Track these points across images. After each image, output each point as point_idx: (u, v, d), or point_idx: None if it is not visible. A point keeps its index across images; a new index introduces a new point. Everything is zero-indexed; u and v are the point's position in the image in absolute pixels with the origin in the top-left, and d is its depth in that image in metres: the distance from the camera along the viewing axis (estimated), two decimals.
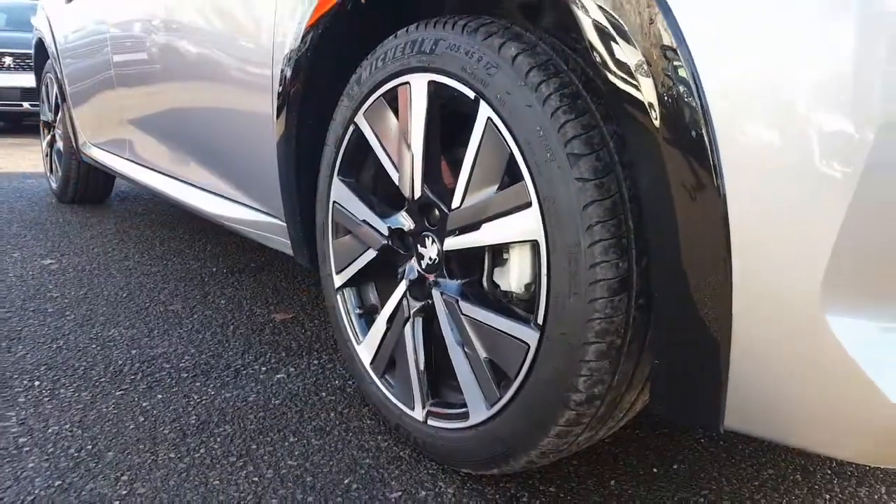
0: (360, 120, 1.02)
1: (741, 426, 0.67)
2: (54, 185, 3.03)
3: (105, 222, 2.61)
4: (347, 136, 1.05)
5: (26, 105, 7.19)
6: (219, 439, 1.04)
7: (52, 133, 3.03)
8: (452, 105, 0.89)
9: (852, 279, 0.58)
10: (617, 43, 0.66)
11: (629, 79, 0.65)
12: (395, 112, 0.97)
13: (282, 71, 1.16)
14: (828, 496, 0.96)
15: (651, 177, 0.66)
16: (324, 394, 1.21)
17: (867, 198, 0.55)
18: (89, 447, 1.01)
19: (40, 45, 2.99)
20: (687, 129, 0.61)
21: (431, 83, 0.89)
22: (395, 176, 0.98)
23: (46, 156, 3.16)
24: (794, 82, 0.56)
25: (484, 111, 0.81)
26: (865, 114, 0.53)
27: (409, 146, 0.94)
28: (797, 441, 0.65)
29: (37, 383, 1.21)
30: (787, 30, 0.56)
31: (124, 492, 0.90)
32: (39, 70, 3.13)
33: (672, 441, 1.09)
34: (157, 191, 1.93)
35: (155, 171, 1.99)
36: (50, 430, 1.05)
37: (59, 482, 0.92)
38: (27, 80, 7.17)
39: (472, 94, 0.82)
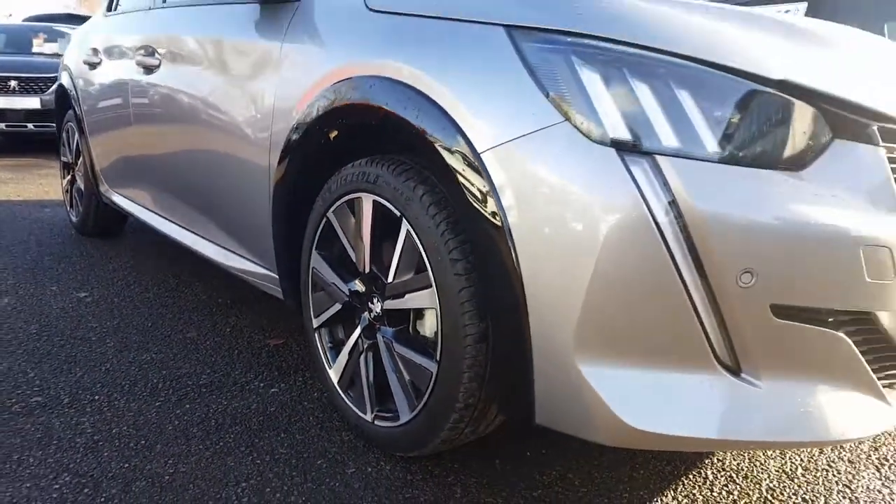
0: (330, 215, 1.48)
1: (546, 424, 1.14)
2: (75, 219, 3.47)
3: (123, 255, 3.06)
4: (321, 225, 1.52)
5: (30, 126, 7.63)
6: (232, 436, 1.50)
7: (72, 174, 3.47)
8: (388, 213, 1.35)
9: (595, 337, 1.05)
10: (480, 202, 1.13)
11: (481, 208, 1.12)
12: (353, 212, 1.43)
13: (276, 166, 1.62)
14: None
15: (495, 274, 1.13)
16: (306, 403, 1.67)
17: (601, 281, 1.01)
18: (143, 442, 1.47)
19: (63, 96, 3.42)
20: (501, 238, 1.08)
21: (374, 201, 1.35)
22: (353, 255, 1.45)
23: (66, 192, 3.60)
24: (554, 221, 1.03)
25: (405, 225, 1.27)
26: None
27: (361, 238, 1.40)
28: (577, 434, 1.12)
29: (97, 397, 1.67)
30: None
31: (171, 470, 1.36)
32: (60, 117, 3.57)
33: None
34: (172, 238, 2.38)
35: (169, 220, 2.44)
36: (114, 431, 1.51)
37: (128, 464, 1.38)
38: (32, 102, 7.62)
39: (398, 213, 1.29)
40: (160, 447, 1.45)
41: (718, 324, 1.02)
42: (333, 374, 1.55)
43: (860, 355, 1.08)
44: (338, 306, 1.51)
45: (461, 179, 1.14)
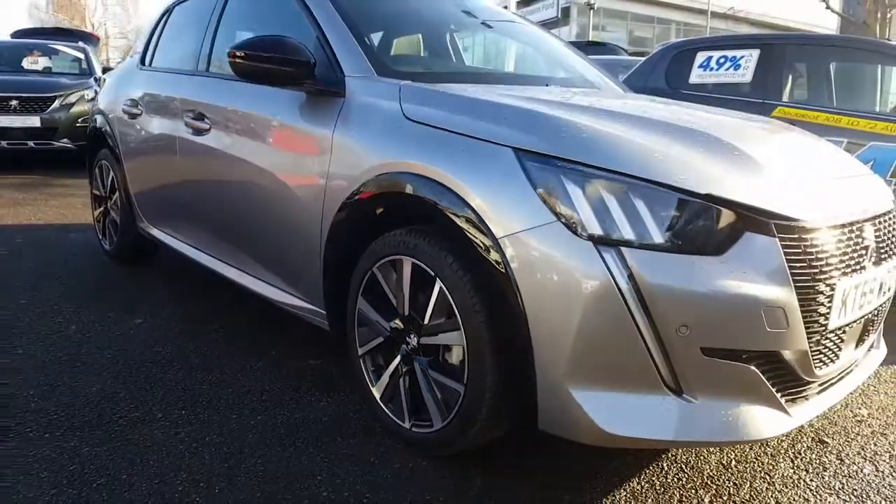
0: (375, 270, 1.92)
1: (545, 429, 1.60)
2: (108, 247, 3.85)
3: (159, 282, 3.46)
4: (367, 276, 1.96)
5: (31, 144, 7.94)
6: (300, 441, 1.94)
7: (104, 206, 3.85)
8: (424, 272, 1.79)
9: (580, 369, 1.50)
10: (486, 253, 1.58)
11: (490, 267, 1.57)
12: (394, 269, 1.87)
13: (327, 230, 2.05)
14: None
15: (509, 322, 1.58)
16: (351, 413, 2.11)
17: (583, 329, 1.47)
18: (233, 447, 1.90)
19: (97, 137, 3.80)
20: (513, 297, 1.53)
21: (413, 263, 1.80)
22: (394, 301, 1.89)
23: (98, 222, 3.97)
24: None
25: (438, 283, 1.72)
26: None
27: (401, 289, 1.85)
28: (567, 436, 1.57)
29: (183, 412, 2.09)
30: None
31: (262, 468, 1.79)
32: (92, 154, 3.95)
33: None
34: (215, 271, 2.78)
35: (212, 256, 2.85)
36: (206, 439, 1.94)
37: (227, 464, 1.81)
38: (32, 121, 7.93)
39: (433, 274, 1.73)
40: (248, 450, 1.88)
41: (664, 360, 1.49)
42: (376, 392, 1.99)
43: (766, 381, 1.55)
44: (380, 339, 1.96)
45: (484, 254, 1.59)
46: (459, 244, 1.68)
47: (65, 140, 8.04)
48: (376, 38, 2.62)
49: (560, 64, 2.97)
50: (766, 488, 1.81)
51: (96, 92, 8.65)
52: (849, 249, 1.67)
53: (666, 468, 1.88)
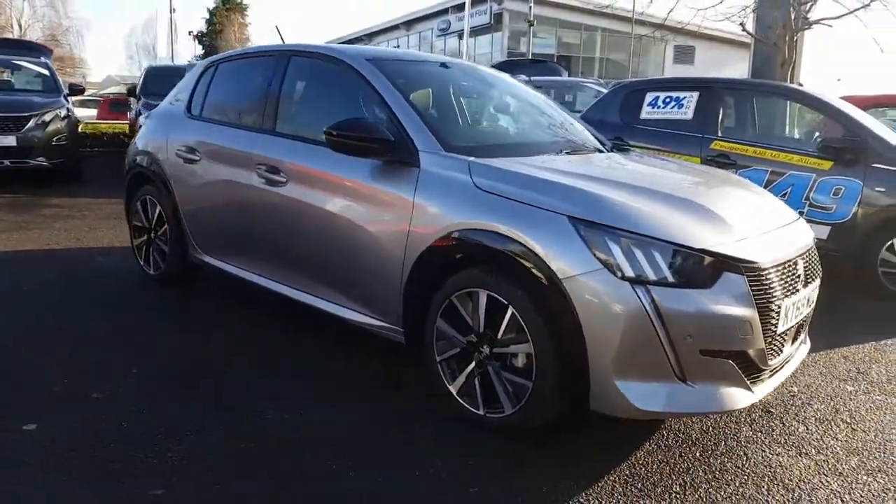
0: (454, 299, 2.59)
1: (595, 409, 2.32)
2: (153, 272, 4.34)
3: (204, 304, 4.02)
4: (446, 303, 2.63)
5: (6, 163, 8.14)
6: (411, 427, 2.59)
7: (147, 236, 4.34)
8: (496, 300, 2.48)
9: (621, 366, 2.23)
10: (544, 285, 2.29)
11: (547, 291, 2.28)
12: (470, 298, 2.55)
13: (409, 270, 2.71)
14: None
15: (569, 335, 2.29)
16: (435, 409, 2.77)
17: (623, 339, 2.20)
18: (363, 436, 2.54)
19: (140, 175, 4.31)
20: (573, 319, 2.25)
21: (488, 294, 2.48)
22: (470, 321, 2.57)
23: (139, 249, 4.43)
24: None
25: (510, 309, 2.41)
26: None
27: (477, 313, 2.53)
28: (610, 413, 2.30)
29: (302, 412, 2.71)
30: None
31: (396, 449, 2.44)
32: (133, 190, 4.44)
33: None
34: (286, 296, 3.38)
35: (281, 283, 3.44)
36: (343, 431, 2.57)
37: (367, 449, 2.45)
38: (8, 140, 8.15)
39: (506, 303, 2.43)
40: (378, 438, 2.53)
41: (675, 359, 2.23)
42: (453, 388, 2.65)
43: (738, 370, 2.32)
44: (457, 350, 2.63)
45: (550, 290, 2.30)
46: (528, 282, 2.38)
47: (41, 158, 8.29)
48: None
49: (561, 127, 3.66)
50: (736, 445, 2.59)
51: (68, 110, 8.92)
52: (788, 278, 2.47)
53: (665, 434, 2.64)
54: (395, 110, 2.93)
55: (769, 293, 2.35)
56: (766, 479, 2.36)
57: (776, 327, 2.40)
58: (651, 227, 2.28)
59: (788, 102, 5.64)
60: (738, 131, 5.42)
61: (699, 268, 2.26)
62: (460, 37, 39.83)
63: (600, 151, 3.42)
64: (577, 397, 2.35)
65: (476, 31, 38.05)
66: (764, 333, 2.35)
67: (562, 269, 2.28)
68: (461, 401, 2.64)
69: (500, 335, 2.47)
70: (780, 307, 2.39)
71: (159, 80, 9.90)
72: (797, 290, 2.52)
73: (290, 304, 3.35)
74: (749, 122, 5.54)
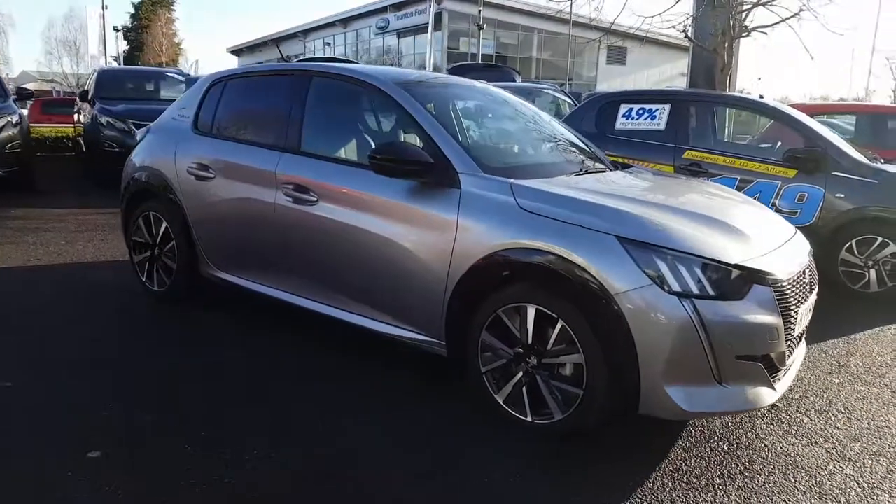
0: (500, 313, 2.77)
1: (644, 412, 2.55)
2: (157, 288, 4.32)
3: (218, 322, 4.06)
4: (492, 317, 2.80)
5: None
6: (463, 432, 2.75)
7: (150, 252, 4.33)
8: (544, 314, 2.67)
9: (670, 373, 2.46)
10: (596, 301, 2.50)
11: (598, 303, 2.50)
12: (518, 312, 2.73)
13: (453, 287, 2.87)
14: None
15: (620, 343, 2.51)
16: (480, 416, 2.94)
17: (673, 347, 2.43)
18: (428, 436, 2.68)
19: (141, 191, 4.30)
20: (624, 329, 2.47)
21: (537, 308, 2.67)
22: (518, 334, 2.75)
23: (141, 265, 4.41)
24: None
25: (560, 322, 2.61)
26: None
27: (526, 326, 2.72)
28: (658, 415, 2.53)
29: (357, 419, 2.83)
30: None
31: (456, 452, 2.60)
32: (132, 206, 4.42)
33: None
34: (312, 310, 3.48)
35: (302, 296, 3.53)
36: (405, 432, 2.71)
37: (446, 448, 2.60)
38: None
39: (555, 316, 2.62)
40: (436, 438, 2.68)
41: (715, 364, 2.48)
42: (500, 397, 2.83)
43: (765, 371, 2.59)
44: (503, 361, 2.81)
45: (602, 304, 2.51)
46: (579, 297, 2.58)
47: None
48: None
49: (571, 146, 3.86)
50: (755, 438, 2.87)
51: (20, 116, 8.63)
52: (800, 288, 2.76)
53: (692, 431, 2.89)
54: (431, 134, 3.08)
55: (789, 302, 2.63)
56: (789, 468, 2.64)
57: (793, 331, 2.69)
58: (692, 246, 2.52)
59: (754, 114, 6.05)
60: (709, 141, 5.78)
61: (734, 281, 2.51)
62: (398, 36, 39.98)
63: (611, 170, 3.65)
64: (624, 402, 2.57)
65: (415, 31, 38.23)
66: (786, 337, 2.62)
67: (613, 285, 2.49)
68: (508, 409, 2.82)
69: (549, 346, 2.67)
70: (797, 313, 2.68)
71: (115, 82, 9.67)
72: (807, 297, 2.82)
73: (309, 318, 3.45)
74: (718, 132, 5.92)
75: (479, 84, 4.00)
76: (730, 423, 2.97)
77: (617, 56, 40.87)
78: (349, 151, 3.56)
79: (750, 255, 2.60)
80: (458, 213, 2.88)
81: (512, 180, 2.88)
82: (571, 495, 2.41)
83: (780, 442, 2.84)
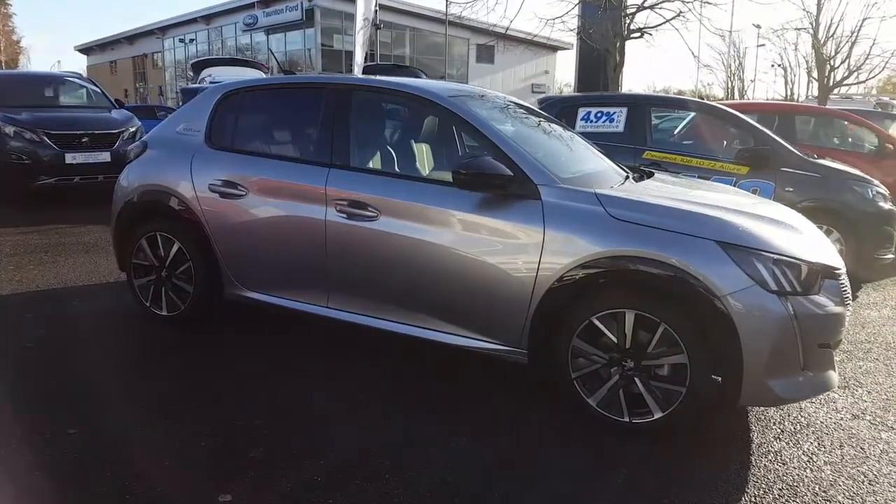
0: (594, 320, 2.89)
1: (744, 404, 2.77)
2: (166, 312, 4.00)
3: (249, 337, 3.88)
4: (585, 323, 2.91)
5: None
6: (557, 442, 2.84)
7: (157, 275, 4.02)
8: (645, 318, 2.82)
9: (770, 368, 2.70)
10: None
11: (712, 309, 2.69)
12: (614, 317, 2.87)
13: (540, 298, 2.95)
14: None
15: (725, 343, 2.71)
16: (568, 418, 3.04)
17: (775, 343, 2.67)
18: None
19: (146, 212, 4.00)
20: (731, 328, 2.68)
21: (636, 313, 2.82)
22: (615, 340, 2.87)
23: (145, 289, 4.06)
24: None
25: (663, 325, 2.77)
26: None
27: (624, 332, 2.85)
28: (758, 405, 2.76)
29: (420, 443, 2.85)
30: None
31: (550, 448, 2.69)
32: (131, 228, 4.09)
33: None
34: (363, 325, 3.42)
35: (357, 313, 3.46)
36: (473, 456, 2.75)
37: (541, 460, 2.67)
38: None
39: (657, 320, 2.78)
40: (537, 456, 2.75)
41: (803, 354, 2.74)
42: (592, 401, 2.95)
43: (833, 357, 2.90)
44: (596, 366, 2.93)
45: (704, 305, 2.69)
46: (682, 300, 2.75)
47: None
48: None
49: (598, 155, 4.04)
50: (809, 416, 3.20)
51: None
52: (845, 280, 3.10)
53: (745, 419, 3.16)
54: (502, 147, 3.13)
55: (846, 292, 2.96)
56: (853, 440, 2.98)
57: (847, 319, 3.02)
58: (780, 247, 2.77)
59: (706, 116, 6.53)
60: (666, 142, 6.20)
61: (812, 277, 2.79)
62: (267, 32, 38.72)
63: (644, 177, 3.84)
64: (724, 396, 2.78)
65: (287, 27, 37.18)
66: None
67: (718, 287, 2.68)
68: (602, 412, 2.94)
69: (650, 349, 2.82)
70: (849, 302, 3.02)
71: (10, 88, 8.75)
72: (847, 288, 3.18)
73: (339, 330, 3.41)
74: (673, 133, 6.35)
75: (502, 95, 4.08)
76: (782, 410, 3.28)
77: (485, 55, 42.03)
78: (411, 167, 3.52)
79: (816, 253, 2.89)
80: (543, 223, 2.96)
81: (596, 190, 3.00)
82: (662, 490, 2.58)
83: (831, 416, 3.19)
